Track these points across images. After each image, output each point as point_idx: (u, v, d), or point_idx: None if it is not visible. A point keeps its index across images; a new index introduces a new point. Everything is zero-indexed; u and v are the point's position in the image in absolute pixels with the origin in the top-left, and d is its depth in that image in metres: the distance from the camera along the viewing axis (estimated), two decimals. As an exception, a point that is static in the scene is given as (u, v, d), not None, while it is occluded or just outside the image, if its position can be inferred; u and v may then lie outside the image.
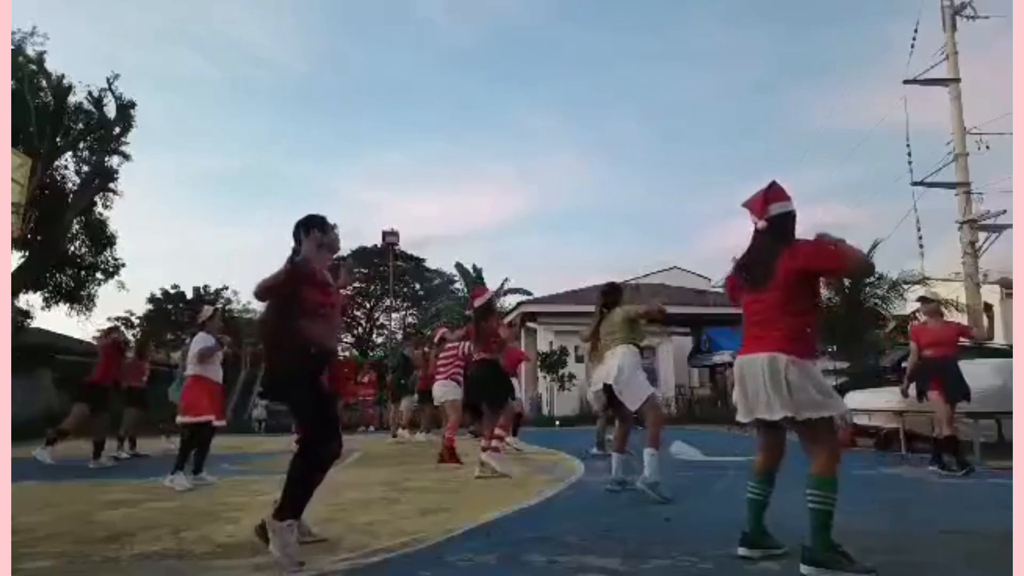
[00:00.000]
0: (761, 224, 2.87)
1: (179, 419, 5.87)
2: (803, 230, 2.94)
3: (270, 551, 2.75)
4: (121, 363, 8.32)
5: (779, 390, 2.65)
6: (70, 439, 8.07)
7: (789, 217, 2.87)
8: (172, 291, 31.59)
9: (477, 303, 6.43)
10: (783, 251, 2.77)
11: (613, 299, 5.12)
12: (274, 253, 50.74)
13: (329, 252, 3.32)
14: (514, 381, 8.20)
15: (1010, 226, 16.14)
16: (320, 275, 3.17)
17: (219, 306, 6.50)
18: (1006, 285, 17.06)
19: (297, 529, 3.16)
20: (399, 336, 32.41)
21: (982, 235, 17.21)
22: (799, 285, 2.74)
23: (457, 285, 30.39)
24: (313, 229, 3.22)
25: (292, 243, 3.23)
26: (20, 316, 18.25)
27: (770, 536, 2.87)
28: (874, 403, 8.32)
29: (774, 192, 2.90)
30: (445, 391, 7.38)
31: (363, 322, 34.92)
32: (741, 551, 2.82)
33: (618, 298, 5.13)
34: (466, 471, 6.24)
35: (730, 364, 17.59)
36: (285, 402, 3.24)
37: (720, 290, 26.75)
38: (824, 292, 15.14)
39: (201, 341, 5.95)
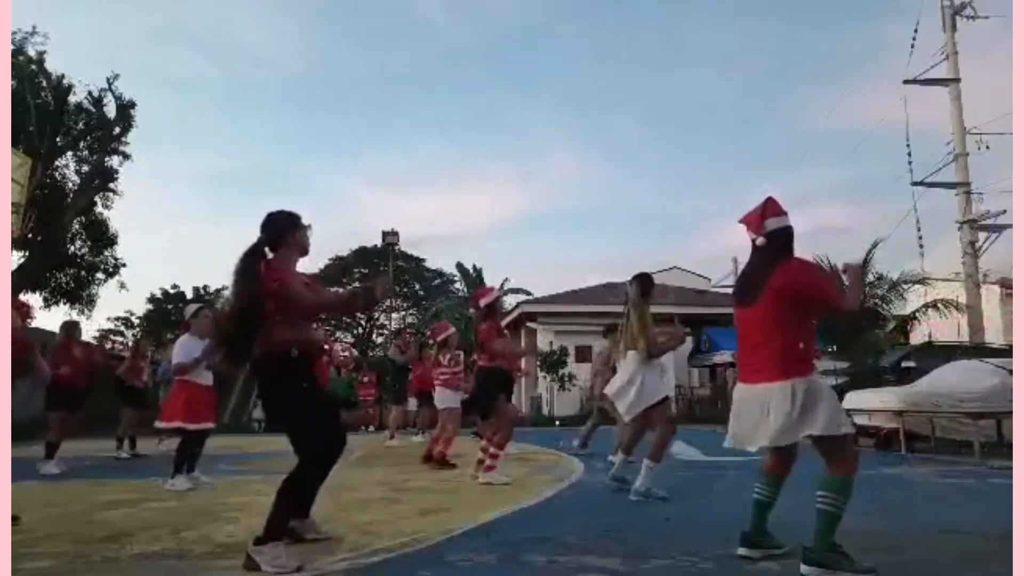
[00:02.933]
0: (760, 240, 2.85)
1: (156, 424, 5.85)
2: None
3: (263, 571, 2.67)
4: (75, 360, 7.58)
5: (789, 417, 2.60)
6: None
7: (786, 232, 2.85)
8: (172, 291, 31.58)
9: (482, 302, 6.11)
10: (777, 267, 2.75)
11: (646, 289, 4.87)
12: (274, 253, 50.69)
13: (300, 253, 3.16)
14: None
15: (1010, 226, 16.16)
16: (291, 284, 2.98)
17: (202, 305, 6.13)
18: (1006, 285, 17.12)
19: (306, 530, 3.19)
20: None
21: (982, 235, 17.22)
22: (790, 302, 2.70)
23: (457, 285, 30.40)
24: (289, 230, 3.08)
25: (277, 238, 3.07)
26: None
27: (771, 536, 2.87)
28: (874, 403, 8.32)
29: (771, 207, 2.89)
30: (444, 399, 7.26)
31: (363, 322, 34.91)
32: (741, 551, 2.82)
33: (650, 289, 4.90)
34: (465, 471, 6.24)
35: (731, 364, 17.49)
36: (277, 417, 3.06)
37: (720, 290, 26.73)
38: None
39: (180, 347, 5.70)
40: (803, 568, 2.52)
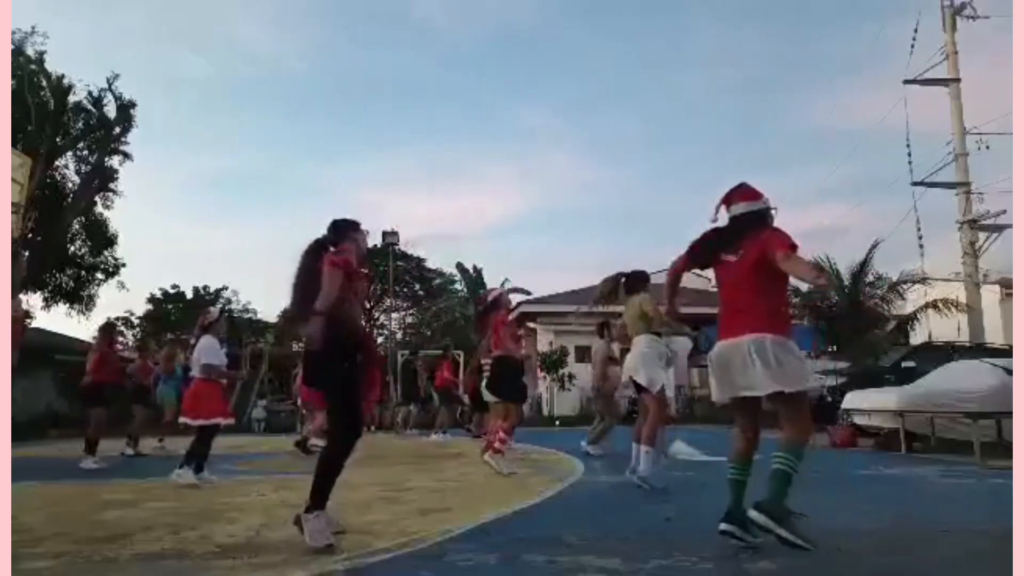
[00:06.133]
0: (715, 220, 3.18)
1: (182, 420, 5.91)
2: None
3: (305, 540, 2.99)
4: (114, 360, 8.10)
5: (768, 367, 2.82)
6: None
7: (745, 218, 3.08)
8: (172, 291, 31.59)
9: (489, 298, 6.66)
10: (759, 236, 3.00)
11: (632, 286, 5.28)
12: (274, 253, 50.73)
13: (358, 251, 3.64)
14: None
15: (1010, 226, 16.15)
16: (352, 266, 3.46)
17: (224, 307, 6.46)
18: (1006, 285, 17.10)
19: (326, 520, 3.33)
20: (399, 336, 32.42)
21: (982, 235, 17.21)
22: (769, 268, 2.92)
23: (457, 285, 30.38)
24: (346, 228, 3.61)
25: (301, 241, 3.55)
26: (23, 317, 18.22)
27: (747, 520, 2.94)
28: (874, 403, 8.31)
29: (736, 194, 3.14)
30: None
31: (363, 322, 34.92)
32: (723, 526, 2.91)
33: (636, 286, 5.28)
34: (465, 471, 6.24)
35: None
36: (319, 386, 3.50)
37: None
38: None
39: (204, 349, 5.90)
40: (750, 512, 2.76)
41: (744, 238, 3.04)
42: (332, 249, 3.49)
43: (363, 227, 3.73)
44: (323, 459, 3.26)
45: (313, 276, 3.33)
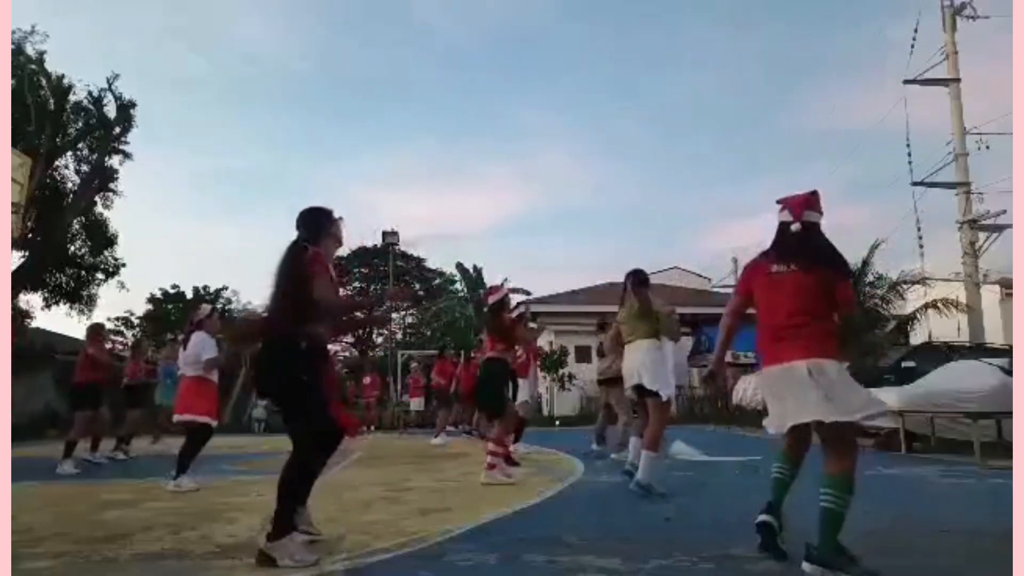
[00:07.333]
0: (796, 226, 2.86)
1: (176, 418, 5.84)
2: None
3: (280, 566, 2.69)
4: (104, 361, 7.94)
5: (820, 392, 2.66)
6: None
7: (818, 228, 2.92)
8: (172, 291, 31.52)
9: (491, 299, 6.32)
10: (838, 266, 2.89)
11: (643, 279, 5.08)
12: (275, 253, 50.60)
13: (336, 244, 3.31)
14: (522, 382, 8.17)
15: (1010, 226, 16.14)
16: (329, 268, 3.14)
17: (216, 306, 6.36)
18: (1006, 285, 17.10)
19: (301, 521, 3.15)
20: (399, 336, 32.39)
21: (982, 235, 17.21)
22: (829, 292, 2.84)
23: (457, 285, 30.35)
24: (324, 220, 3.22)
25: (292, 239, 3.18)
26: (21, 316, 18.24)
27: (782, 522, 2.87)
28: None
29: (815, 200, 2.93)
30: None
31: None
32: (762, 517, 2.82)
33: (647, 279, 5.10)
34: (465, 471, 6.24)
35: (731, 364, 17.43)
36: (283, 404, 3.09)
37: (720, 290, 26.68)
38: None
39: (201, 345, 5.80)
40: (804, 565, 2.49)
41: (810, 250, 2.84)
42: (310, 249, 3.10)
43: (336, 214, 3.27)
44: (286, 484, 2.89)
45: (302, 283, 2.96)
